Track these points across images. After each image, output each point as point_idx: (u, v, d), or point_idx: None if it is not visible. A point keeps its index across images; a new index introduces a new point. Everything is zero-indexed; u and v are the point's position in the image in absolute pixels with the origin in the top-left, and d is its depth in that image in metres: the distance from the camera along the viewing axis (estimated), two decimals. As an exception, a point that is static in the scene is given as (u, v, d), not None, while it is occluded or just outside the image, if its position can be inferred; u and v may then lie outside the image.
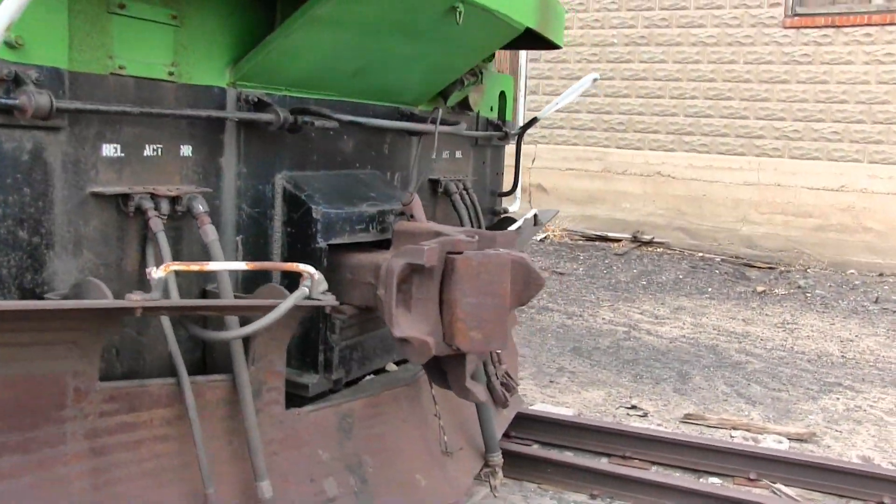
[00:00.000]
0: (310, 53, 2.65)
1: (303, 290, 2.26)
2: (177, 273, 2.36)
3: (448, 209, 3.84)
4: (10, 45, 1.92)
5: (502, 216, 4.40)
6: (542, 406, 5.28)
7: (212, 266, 2.13)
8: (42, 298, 2.08)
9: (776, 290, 9.34)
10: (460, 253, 2.59)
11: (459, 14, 2.76)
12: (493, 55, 4.16)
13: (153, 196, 2.29)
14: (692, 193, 10.58)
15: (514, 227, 3.97)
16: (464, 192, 3.86)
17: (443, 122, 3.37)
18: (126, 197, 2.24)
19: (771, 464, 4.32)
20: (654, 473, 4.27)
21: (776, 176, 10.19)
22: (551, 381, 6.01)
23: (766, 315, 8.40)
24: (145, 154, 2.32)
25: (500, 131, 4.18)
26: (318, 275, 2.33)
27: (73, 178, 2.13)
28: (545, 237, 11.23)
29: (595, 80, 4.15)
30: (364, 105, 3.24)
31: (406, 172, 3.54)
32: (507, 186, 4.47)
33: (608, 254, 10.52)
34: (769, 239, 10.23)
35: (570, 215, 11.36)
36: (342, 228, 2.86)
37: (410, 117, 3.42)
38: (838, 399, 5.82)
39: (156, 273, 1.90)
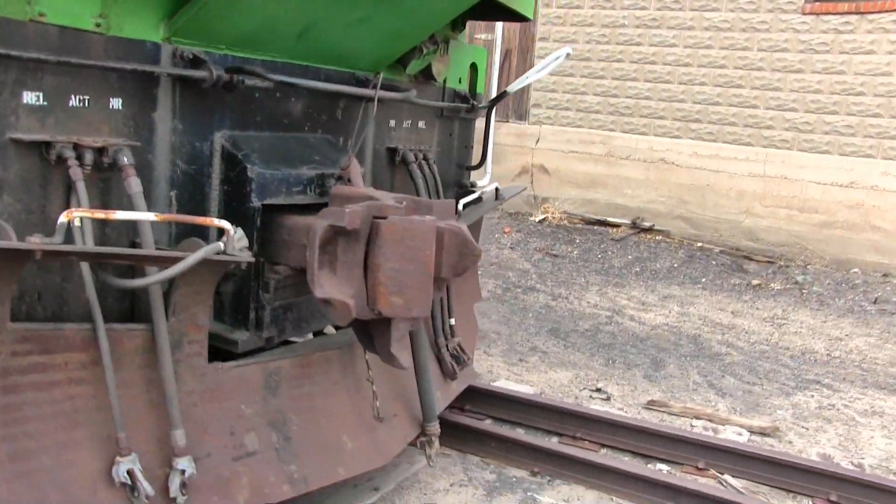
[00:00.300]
0: (247, 11, 2.74)
1: (216, 245, 2.36)
2: (105, 223, 2.48)
3: (407, 178, 3.92)
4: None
5: (468, 189, 4.47)
6: (504, 383, 5.38)
7: (118, 215, 2.23)
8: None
9: (772, 285, 9.35)
10: (386, 218, 2.68)
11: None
12: (464, 26, 4.23)
13: (76, 146, 2.38)
14: (696, 182, 10.57)
15: (467, 199, 4.04)
16: (423, 162, 3.94)
17: (388, 89, 3.45)
18: (48, 145, 2.34)
19: (722, 454, 4.38)
20: (600, 455, 4.34)
21: (783, 168, 10.15)
22: (521, 360, 6.11)
23: (757, 309, 8.44)
24: (70, 104, 2.41)
25: (466, 103, 4.24)
26: (235, 231, 2.43)
27: (-7, 123, 2.23)
28: (544, 219, 11.28)
29: (568, 54, 4.20)
30: (316, 69, 3.32)
31: (356, 137, 3.62)
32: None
33: (605, 238, 10.56)
34: (771, 232, 10.22)
35: (570, 198, 11.40)
36: (278, 189, 2.95)
37: (363, 83, 3.50)
38: (812, 396, 5.88)
39: (61, 218, 2.01)
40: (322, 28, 3.03)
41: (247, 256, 2.42)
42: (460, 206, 3.96)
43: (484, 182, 4.54)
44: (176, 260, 2.26)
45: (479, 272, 9.05)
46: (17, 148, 2.30)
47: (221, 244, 2.36)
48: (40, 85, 2.32)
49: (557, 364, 6.09)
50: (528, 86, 11.53)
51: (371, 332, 2.90)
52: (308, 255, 2.63)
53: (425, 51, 3.69)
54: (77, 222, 2.30)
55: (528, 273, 9.28)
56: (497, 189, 4.31)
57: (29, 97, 2.31)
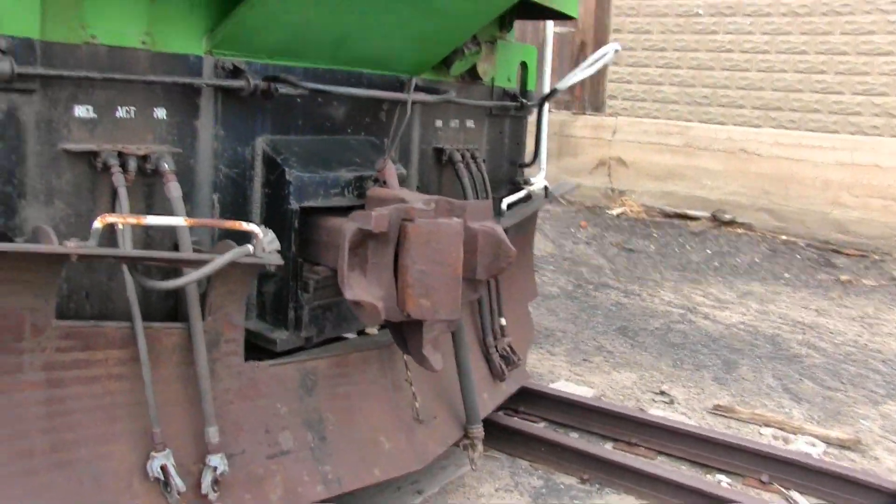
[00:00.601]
0: (282, 22, 2.91)
1: (245, 248, 2.54)
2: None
3: (454, 178, 4.04)
4: (-16, 16, 2.26)
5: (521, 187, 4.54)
6: (562, 384, 5.44)
7: (148, 220, 2.43)
8: (13, 242, 2.43)
9: (864, 281, 9.07)
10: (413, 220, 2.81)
11: (432, -18, 2.95)
12: (511, 25, 4.32)
13: (121, 154, 2.60)
14: (778, 172, 10.31)
15: (510, 198, 4.13)
16: (470, 162, 4.05)
17: (429, 90, 3.58)
18: (95, 154, 2.57)
19: (790, 467, 4.16)
20: (655, 464, 4.28)
21: (874, 156, 9.80)
22: (585, 360, 6.16)
23: (845, 307, 8.21)
24: (117, 115, 2.64)
25: (515, 101, 4.33)
26: (266, 234, 2.60)
27: (45, 136, 2.47)
28: (622, 212, 11.22)
29: (616, 50, 4.24)
30: (358, 73, 3.48)
31: (403, 139, 3.76)
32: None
33: (684, 232, 10.44)
34: (863, 224, 9.89)
35: (648, 191, 11.30)
36: (315, 192, 3.12)
37: (401, 86, 3.63)
38: (905, 407, 5.61)
39: (95, 223, 2.22)
40: (358, 35, 3.19)
41: (276, 259, 2.59)
42: (504, 206, 4.05)
43: (538, 179, 4.61)
44: (204, 262, 2.44)
45: (552, 267, 9.13)
46: (69, 157, 2.53)
47: (251, 247, 2.54)
48: (90, 99, 2.55)
49: (622, 365, 6.11)
50: (604, 77, 11.49)
51: (404, 333, 3.04)
52: (338, 257, 2.79)
53: (467, 52, 3.80)
54: (120, 226, 2.52)
55: (601, 269, 9.27)
56: (546, 187, 4.39)
57: (80, 110, 2.54)
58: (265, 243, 2.59)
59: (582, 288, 8.39)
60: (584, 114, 12.02)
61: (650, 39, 11.30)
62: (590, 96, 11.95)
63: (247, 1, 2.74)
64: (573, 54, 11.71)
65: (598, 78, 11.51)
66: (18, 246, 2.23)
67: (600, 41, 11.67)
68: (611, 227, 10.79)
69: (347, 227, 2.77)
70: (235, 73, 2.92)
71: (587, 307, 7.71)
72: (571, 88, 12.11)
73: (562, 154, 11.73)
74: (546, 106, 4.59)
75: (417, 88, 3.64)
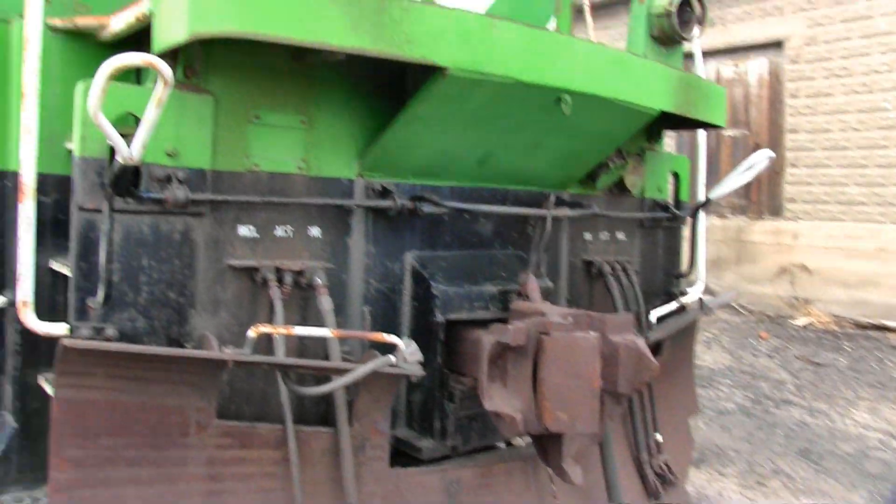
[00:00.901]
0: (425, 145, 3.19)
1: (387, 358, 2.74)
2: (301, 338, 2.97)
3: (605, 290, 4.12)
4: (168, 154, 2.67)
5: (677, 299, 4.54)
6: (731, 507, 5.21)
7: (297, 331, 2.69)
8: (184, 347, 2.77)
9: None
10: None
11: (566, 105, 3.15)
12: (661, 137, 4.43)
13: (278, 269, 2.92)
14: None
15: (659, 310, 4.13)
16: (620, 274, 4.12)
17: (574, 205, 3.73)
18: (256, 269, 2.90)
19: None
20: None
21: None
22: (759, 483, 5.85)
23: None
24: (276, 234, 2.97)
25: (666, 212, 4.39)
26: (408, 345, 2.80)
27: (213, 253, 2.83)
28: (807, 323, 10.69)
29: (770, 157, 4.23)
30: (504, 190, 3.70)
31: (552, 253, 3.91)
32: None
33: (882, 345, 9.78)
34: None
35: (838, 300, 10.73)
36: (460, 305, 3.31)
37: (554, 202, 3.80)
38: None
39: (249, 333, 2.51)
40: (499, 154, 3.41)
41: (417, 370, 2.77)
42: (653, 319, 4.07)
43: (695, 290, 4.59)
44: (348, 371, 2.66)
45: (728, 381, 8.80)
46: (233, 272, 2.87)
47: (393, 357, 2.74)
48: (253, 220, 2.90)
49: (804, 492, 5.75)
50: (781, 180, 11.21)
51: (544, 444, 3.11)
52: (478, 369, 2.94)
53: (612, 166, 3.93)
54: (275, 336, 2.81)
55: (783, 384, 8.83)
56: (700, 299, 4.36)
57: (243, 230, 2.89)
58: (407, 354, 2.79)
59: (761, 404, 8.01)
60: (761, 218, 11.71)
61: (830, 139, 10.97)
62: (767, 200, 11.65)
63: (391, 127, 3.04)
64: (747, 157, 11.55)
65: (776, 181, 11.25)
66: (185, 352, 2.55)
67: (775, 143, 11.47)
68: (795, 338, 10.29)
69: (487, 339, 2.93)
70: (384, 193, 3.20)
71: (765, 425, 7.34)
72: (747, 193, 11.91)
73: (740, 261, 11.42)
74: (701, 215, 4.61)
75: (562, 202, 3.80)
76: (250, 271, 2.90)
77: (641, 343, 3.06)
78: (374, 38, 2.62)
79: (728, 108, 12.20)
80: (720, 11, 12.19)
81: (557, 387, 2.89)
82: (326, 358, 3.04)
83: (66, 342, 2.34)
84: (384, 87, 3.17)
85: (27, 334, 2.84)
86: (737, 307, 10.36)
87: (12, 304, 3.16)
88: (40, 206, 2.93)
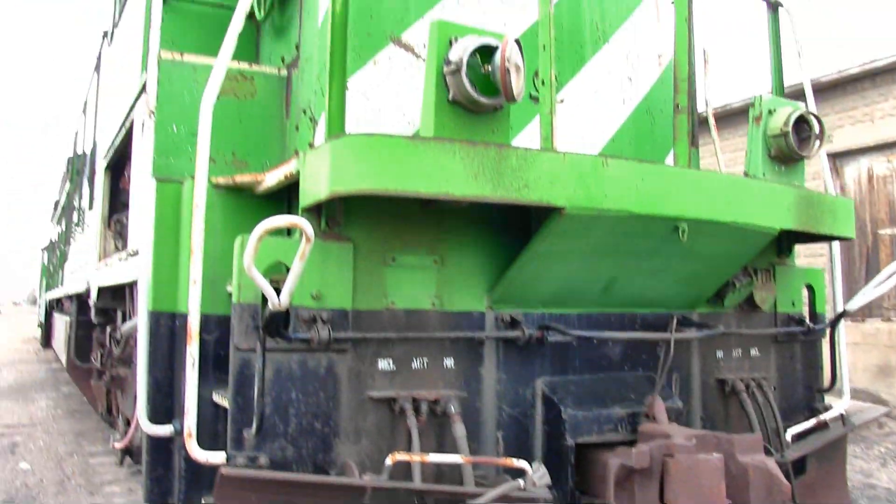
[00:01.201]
0: (551, 276, 3.38)
1: (516, 482, 2.88)
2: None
3: (741, 408, 4.10)
4: (313, 297, 2.99)
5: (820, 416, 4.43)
6: None
7: (431, 458, 2.88)
8: (328, 474, 3.01)
9: None
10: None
11: (683, 232, 3.28)
12: (790, 251, 4.45)
13: (414, 399, 3.14)
14: None
15: (795, 428, 4.05)
16: (756, 391, 4.11)
17: (698, 326, 3.79)
18: (394, 400, 3.13)
19: None
20: None
21: None
22: None
23: None
24: (413, 366, 3.21)
25: (801, 326, 4.36)
26: (536, 470, 2.93)
27: (355, 385, 3.09)
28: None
29: (913, 268, 4.17)
30: (631, 315, 3.82)
31: (683, 372, 3.97)
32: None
33: None
34: None
35: None
36: (590, 429, 3.41)
37: (680, 322, 3.88)
38: None
39: (387, 461, 2.73)
40: (623, 282, 3.56)
41: (545, 494, 2.89)
42: (788, 437, 4.00)
43: (840, 405, 4.48)
44: (478, 495, 2.81)
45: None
46: (373, 403, 3.12)
47: (522, 482, 2.88)
48: (391, 353, 3.16)
49: None
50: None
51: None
52: (606, 491, 3.02)
53: (738, 284, 3.98)
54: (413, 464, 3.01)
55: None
56: (842, 415, 4.25)
57: (382, 364, 3.15)
58: (536, 478, 2.92)
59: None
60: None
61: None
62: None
63: (516, 263, 3.26)
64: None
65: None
66: (329, 479, 2.79)
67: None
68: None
69: (612, 462, 3.02)
70: (513, 324, 3.40)
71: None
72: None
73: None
74: (841, 326, 4.54)
75: (689, 323, 3.87)
76: (389, 401, 3.14)
77: (772, 464, 3.07)
78: (495, 185, 2.89)
79: (885, 206, 11.81)
80: (868, 108, 11.96)
81: (686, 509, 2.92)
82: (461, 482, 3.20)
83: (224, 470, 2.63)
84: (510, 226, 3.41)
85: (191, 461, 3.17)
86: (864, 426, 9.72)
87: (179, 433, 3.52)
88: (204, 344, 3.31)
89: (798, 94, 4.68)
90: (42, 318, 21.70)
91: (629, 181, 3.18)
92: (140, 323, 3.69)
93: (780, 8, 4.71)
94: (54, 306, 15.21)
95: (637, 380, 3.78)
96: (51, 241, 23.91)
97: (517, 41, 2.95)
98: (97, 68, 7.91)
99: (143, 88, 3.95)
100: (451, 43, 2.98)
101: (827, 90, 12.31)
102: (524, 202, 2.97)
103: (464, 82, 2.92)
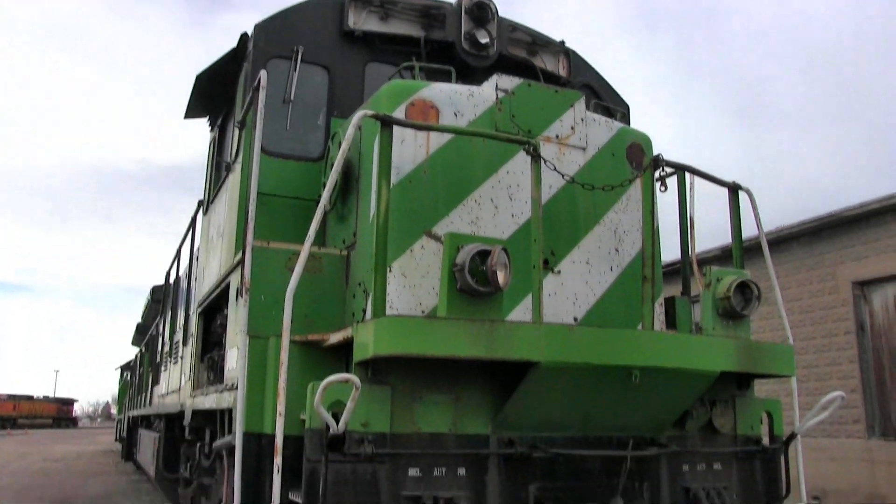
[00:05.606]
0: (536, 411, 4.73)
1: (504, 559, 4.16)
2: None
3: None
4: (362, 424, 4.39)
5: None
6: None
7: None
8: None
9: None
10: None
11: (635, 377, 4.61)
12: (749, 385, 5.71)
13: (435, 498, 4.46)
14: None
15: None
16: (715, 498, 5.30)
17: (660, 445, 5.05)
18: (419, 498, 4.46)
19: None
20: None
21: None
22: None
23: None
24: (434, 474, 4.54)
25: (757, 446, 5.57)
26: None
27: (392, 487, 4.44)
28: None
29: (843, 398, 5.38)
30: (608, 437, 5.09)
31: (653, 481, 5.20)
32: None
33: None
34: None
35: None
36: (570, 528, 4.68)
37: (648, 442, 5.14)
38: None
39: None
40: (596, 412, 4.89)
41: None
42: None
43: (797, 512, 5.63)
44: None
45: None
46: (405, 499, 4.43)
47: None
48: (418, 464, 4.50)
49: None
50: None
51: None
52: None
53: (695, 413, 5.26)
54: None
55: None
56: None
57: (412, 472, 4.49)
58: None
59: None
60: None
61: None
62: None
63: (511, 400, 4.63)
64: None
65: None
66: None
67: None
68: None
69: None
70: (510, 444, 4.73)
71: None
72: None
73: None
74: (797, 445, 5.73)
75: (655, 443, 5.13)
76: (416, 499, 4.46)
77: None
78: (488, 348, 4.30)
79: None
80: (891, 239, 13.07)
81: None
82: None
83: None
84: (506, 374, 4.76)
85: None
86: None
87: (268, 527, 4.88)
88: (284, 458, 4.70)
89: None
90: (123, 433, 23.43)
91: (589, 341, 4.56)
92: (236, 440, 5.10)
93: (739, 191, 6.11)
94: (139, 423, 16.85)
95: (609, 486, 5.03)
96: (131, 362, 25.90)
97: (504, 248, 4.42)
98: (191, 227, 9.73)
99: (240, 267, 5.47)
100: (458, 249, 4.46)
101: (850, 223, 13.50)
102: (510, 359, 4.37)
103: (467, 278, 4.38)
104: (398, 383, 4.56)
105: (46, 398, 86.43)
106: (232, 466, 5.22)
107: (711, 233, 11.61)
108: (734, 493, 5.49)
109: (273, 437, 4.52)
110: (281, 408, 4.47)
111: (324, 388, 3.98)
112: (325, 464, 4.25)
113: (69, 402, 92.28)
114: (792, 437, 5.66)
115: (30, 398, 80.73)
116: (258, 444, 5.16)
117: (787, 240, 14.85)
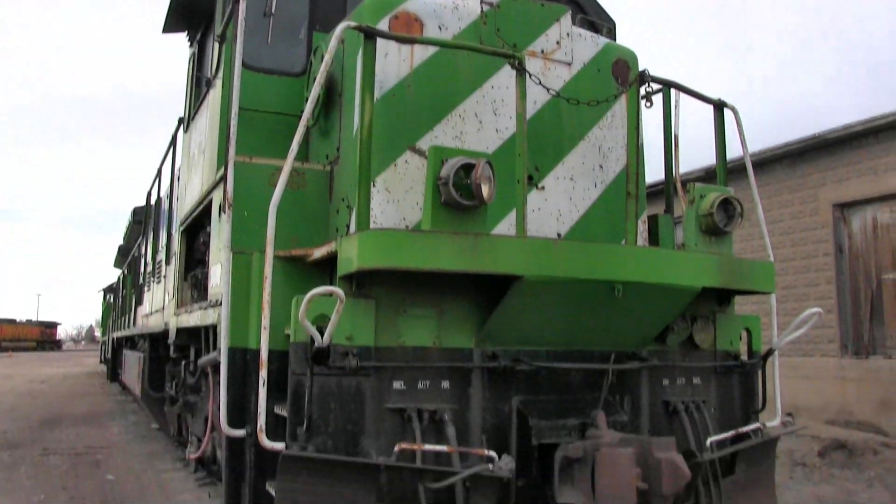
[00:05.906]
0: (519, 325, 4.78)
1: (486, 465, 4.26)
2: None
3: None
4: (346, 337, 4.42)
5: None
6: None
7: (426, 447, 4.27)
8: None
9: None
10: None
11: (618, 291, 4.65)
12: (730, 302, 5.78)
13: (419, 410, 4.53)
14: None
15: (716, 437, 5.33)
16: (693, 411, 5.42)
17: (642, 360, 5.13)
18: (403, 410, 4.52)
19: None
20: None
21: None
22: None
23: None
24: (418, 387, 4.60)
25: (735, 361, 5.68)
26: (503, 459, 4.31)
27: (376, 399, 4.50)
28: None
29: (820, 314, 5.47)
30: (590, 351, 5.16)
31: (634, 395, 5.30)
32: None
33: None
34: None
35: None
36: (549, 434, 4.76)
37: (630, 356, 5.21)
38: None
39: (395, 448, 4.13)
40: (578, 327, 4.94)
41: (506, 473, 4.26)
42: (708, 443, 5.27)
43: (774, 422, 5.79)
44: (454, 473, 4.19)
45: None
46: (389, 412, 4.50)
47: (491, 466, 4.26)
48: (402, 377, 4.55)
49: None
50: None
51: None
52: (554, 473, 4.39)
53: (676, 329, 5.33)
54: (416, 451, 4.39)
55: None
56: (760, 428, 5.53)
57: (396, 384, 4.55)
58: (502, 464, 4.31)
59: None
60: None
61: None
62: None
63: (494, 314, 4.67)
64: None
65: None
66: (355, 459, 4.19)
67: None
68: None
69: (557, 453, 4.40)
70: (493, 357, 4.79)
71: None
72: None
73: None
74: (774, 360, 5.85)
75: (637, 357, 5.21)
76: (400, 411, 4.53)
77: (679, 458, 4.41)
78: (473, 261, 4.31)
79: (888, 252, 12.93)
80: (871, 162, 13.11)
81: (606, 486, 4.27)
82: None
83: (284, 453, 4.06)
84: (490, 287, 4.79)
85: (259, 454, 4.59)
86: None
87: (251, 433, 4.94)
88: (269, 372, 4.74)
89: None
90: (108, 355, 23.57)
91: (573, 256, 4.58)
92: (222, 355, 5.14)
93: (724, 108, 6.08)
94: (123, 344, 16.93)
95: (590, 400, 5.12)
96: (114, 284, 25.86)
97: (488, 161, 4.40)
98: (172, 146, 9.60)
99: (222, 183, 5.42)
100: (443, 162, 4.43)
101: (833, 145, 13.51)
102: (494, 272, 4.39)
103: (451, 191, 4.36)
104: (382, 297, 4.58)
105: (29, 321, 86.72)
106: (217, 383, 5.28)
107: (695, 155, 11.63)
108: (712, 407, 5.62)
109: (258, 351, 4.55)
110: (266, 321, 4.49)
111: (308, 300, 4.00)
112: (310, 377, 4.30)
113: (53, 326, 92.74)
114: (770, 352, 5.77)
115: (12, 321, 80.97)
116: (243, 359, 5.20)
117: (770, 161, 14.86)
